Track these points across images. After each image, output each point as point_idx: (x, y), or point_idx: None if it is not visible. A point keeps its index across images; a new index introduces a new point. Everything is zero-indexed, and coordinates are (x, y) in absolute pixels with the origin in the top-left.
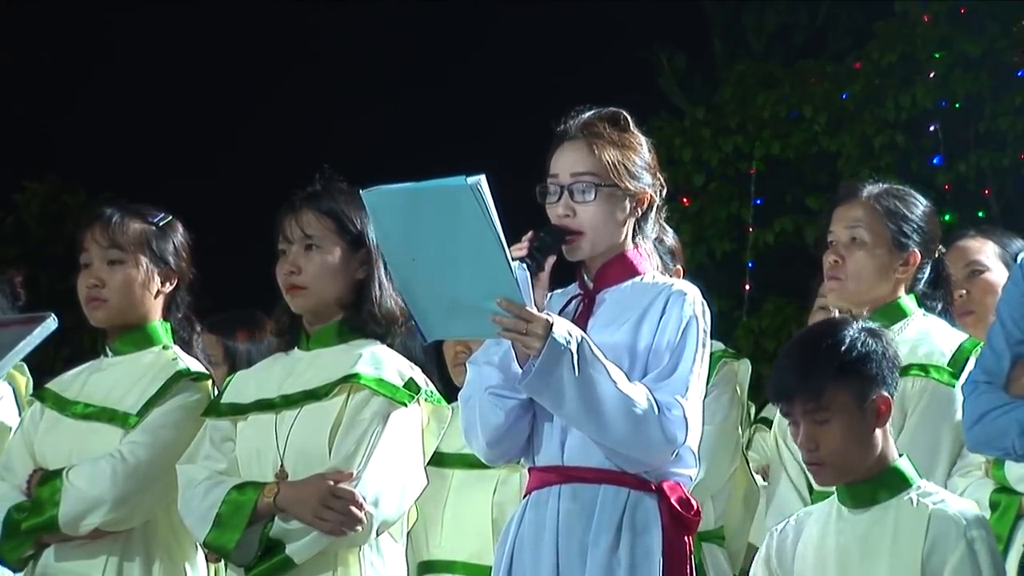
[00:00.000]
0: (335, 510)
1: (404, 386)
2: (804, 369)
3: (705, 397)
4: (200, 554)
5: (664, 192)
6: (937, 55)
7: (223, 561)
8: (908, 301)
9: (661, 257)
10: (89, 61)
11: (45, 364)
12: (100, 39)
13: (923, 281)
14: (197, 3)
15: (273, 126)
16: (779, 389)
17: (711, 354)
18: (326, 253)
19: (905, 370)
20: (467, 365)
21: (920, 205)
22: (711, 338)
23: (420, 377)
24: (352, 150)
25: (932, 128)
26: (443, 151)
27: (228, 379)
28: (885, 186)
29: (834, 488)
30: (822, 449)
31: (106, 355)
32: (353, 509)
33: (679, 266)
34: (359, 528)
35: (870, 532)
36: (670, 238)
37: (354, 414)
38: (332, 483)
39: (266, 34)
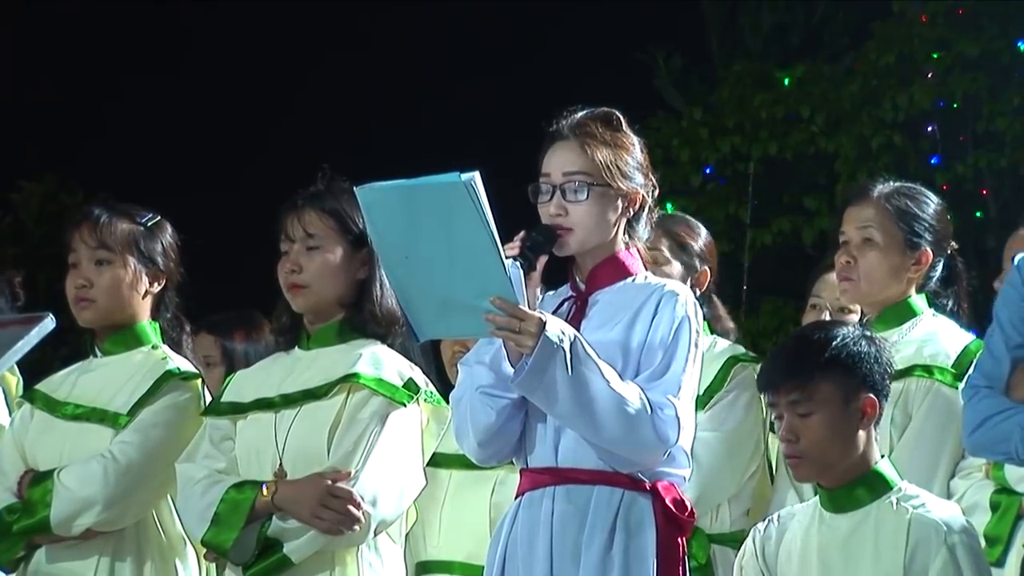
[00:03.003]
0: (333, 509)
1: (403, 386)
2: (793, 360)
3: (719, 401)
4: (191, 553)
5: (656, 192)
6: (935, 55)
7: (217, 561)
8: (918, 300)
9: (684, 261)
10: (95, 63)
11: (43, 364)
12: (108, 42)
13: (934, 279)
14: (213, 11)
15: (277, 131)
16: (767, 379)
17: (730, 357)
18: (328, 252)
19: (910, 371)
20: (458, 366)
21: (931, 203)
22: (725, 340)
23: (420, 377)
24: (357, 160)
25: (930, 129)
26: (445, 153)
27: (228, 378)
28: (896, 185)
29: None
30: (802, 441)
31: (95, 355)
32: (351, 508)
33: (707, 267)
34: (357, 527)
35: (851, 536)
36: (701, 240)
37: (353, 413)
38: (330, 482)
39: (276, 41)
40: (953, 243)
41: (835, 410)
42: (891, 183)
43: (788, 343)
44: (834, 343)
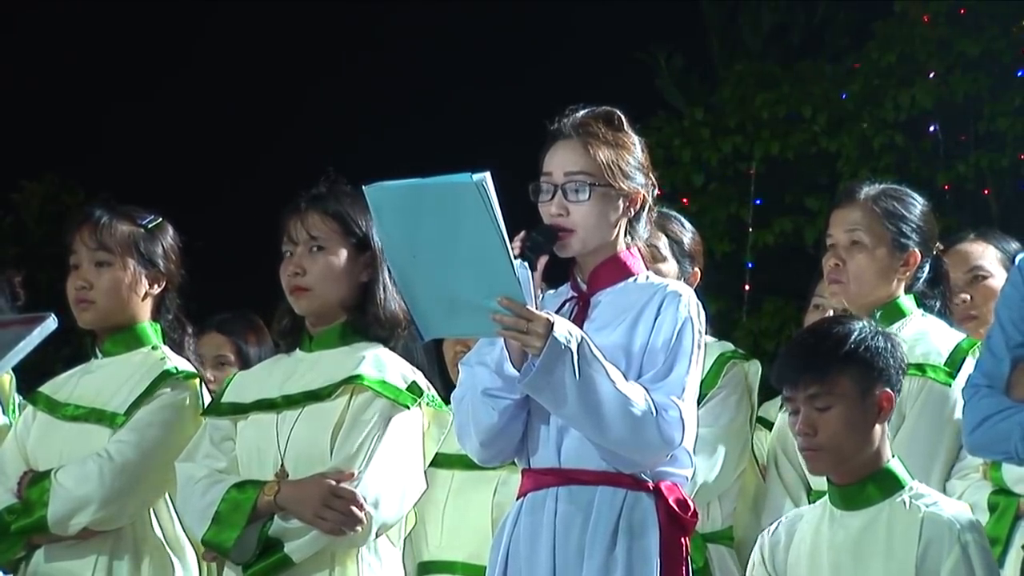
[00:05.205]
0: (336, 510)
1: (407, 389)
2: (812, 354)
3: (712, 399)
4: (190, 552)
5: (656, 192)
6: (936, 55)
7: (216, 561)
8: (907, 301)
9: (678, 259)
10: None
11: (44, 365)
12: (110, 42)
13: (921, 280)
14: (219, 12)
15: (280, 132)
16: (784, 373)
17: (720, 355)
18: (331, 255)
19: None
20: (459, 365)
21: (918, 204)
22: (719, 339)
23: (422, 381)
24: (359, 162)
25: (931, 129)
26: (446, 155)
27: (228, 379)
28: (882, 187)
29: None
30: (820, 435)
31: (96, 357)
32: (354, 509)
33: (697, 268)
34: (359, 528)
35: (863, 534)
36: (688, 238)
37: (356, 415)
38: (334, 482)
39: (280, 44)
40: (939, 244)
41: (853, 404)
42: (877, 185)
43: (806, 338)
44: (852, 337)
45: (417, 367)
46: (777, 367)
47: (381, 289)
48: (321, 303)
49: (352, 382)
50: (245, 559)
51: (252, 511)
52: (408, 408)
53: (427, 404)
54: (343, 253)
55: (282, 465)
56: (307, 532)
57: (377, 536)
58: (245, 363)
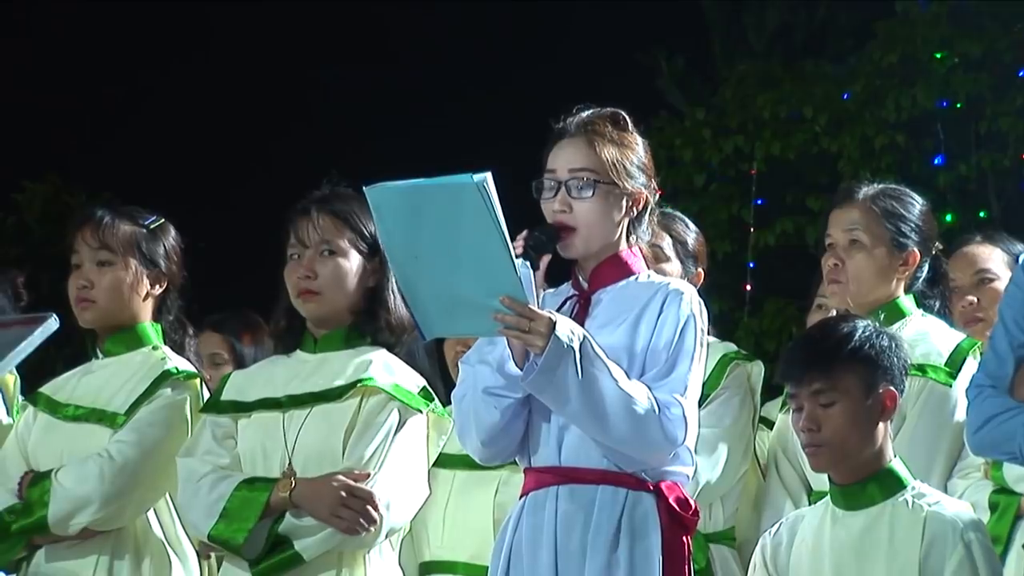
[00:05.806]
0: (352, 509)
1: (419, 393)
2: (818, 350)
3: (715, 399)
4: (191, 552)
5: (657, 194)
6: (938, 55)
7: (214, 557)
8: (907, 301)
9: (682, 260)
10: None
11: (47, 365)
12: (110, 43)
13: (921, 280)
14: (221, 13)
15: (273, 132)
16: (789, 369)
17: (723, 356)
18: (342, 258)
19: None
20: (459, 364)
21: (917, 204)
22: (721, 340)
23: (429, 387)
24: (358, 164)
25: (933, 129)
26: (448, 156)
27: (224, 377)
28: (881, 187)
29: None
30: (824, 431)
31: (97, 357)
32: (369, 509)
33: (701, 269)
34: (372, 529)
35: (866, 534)
36: (692, 238)
37: (370, 417)
38: (350, 482)
39: (282, 45)
40: (938, 243)
41: (857, 401)
42: (875, 185)
43: (811, 334)
44: (858, 335)
45: (419, 369)
46: (782, 363)
47: (390, 294)
48: (330, 307)
49: (363, 384)
50: (253, 555)
51: (264, 508)
52: (420, 412)
53: (432, 410)
54: (354, 257)
55: (289, 464)
56: (318, 530)
57: (385, 539)
58: (239, 362)
